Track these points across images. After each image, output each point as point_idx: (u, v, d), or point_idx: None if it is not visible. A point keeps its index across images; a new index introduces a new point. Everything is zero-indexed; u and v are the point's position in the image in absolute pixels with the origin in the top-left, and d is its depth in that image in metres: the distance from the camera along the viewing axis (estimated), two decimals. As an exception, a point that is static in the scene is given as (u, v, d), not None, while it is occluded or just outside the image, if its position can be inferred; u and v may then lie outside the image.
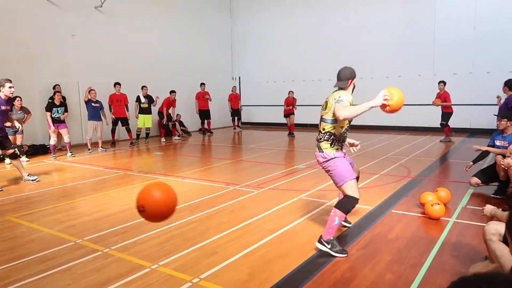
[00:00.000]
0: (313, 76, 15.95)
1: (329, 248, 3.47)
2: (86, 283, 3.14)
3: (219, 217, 4.69)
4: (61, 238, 4.14)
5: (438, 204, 4.43)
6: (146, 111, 12.08)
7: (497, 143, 5.51)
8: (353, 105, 3.47)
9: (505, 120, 5.46)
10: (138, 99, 11.99)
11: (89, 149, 10.47)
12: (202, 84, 14.57)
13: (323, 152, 3.61)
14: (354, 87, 3.74)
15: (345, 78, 3.66)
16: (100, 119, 10.66)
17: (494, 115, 5.98)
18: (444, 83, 11.04)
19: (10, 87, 6.62)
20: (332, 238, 3.49)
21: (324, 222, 4.39)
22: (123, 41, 13.06)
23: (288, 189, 5.97)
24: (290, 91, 13.71)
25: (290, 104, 13.57)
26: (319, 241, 3.53)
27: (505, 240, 2.56)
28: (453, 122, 11.73)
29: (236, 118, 16.18)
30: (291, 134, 13.48)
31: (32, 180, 7.00)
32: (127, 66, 13.14)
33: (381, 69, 14.24)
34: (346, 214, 3.61)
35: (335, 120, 3.53)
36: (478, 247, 3.61)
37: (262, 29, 17.16)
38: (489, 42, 12.32)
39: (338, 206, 3.54)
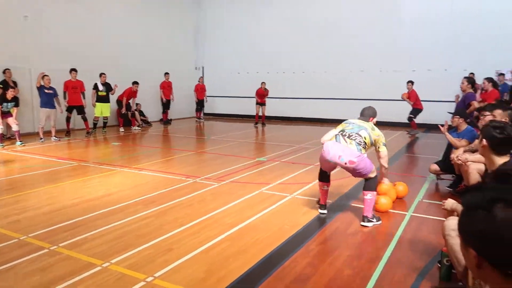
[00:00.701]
0: (278, 68, 15.89)
1: (375, 222, 4.10)
2: (29, 284, 2.90)
3: (177, 211, 4.52)
4: (3, 234, 3.82)
5: (385, 197, 4.54)
6: (104, 99, 11.56)
7: None
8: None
9: (457, 117, 5.66)
10: (95, 87, 11.43)
11: (41, 138, 9.89)
12: (166, 73, 14.26)
13: (360, 152, 4.00)
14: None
15: (368, 115, 4.49)
16: (54, 107, 10.10)
17: (449, 112, 6.18)
18: (412, 82, 11.39)
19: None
20: (373, 213, 4.16)
21: (285, 215, 4.35)
22: (81, 26, 12.36)
23: (249, 182, 5.88)
24: (263, 82, 14.01)
25: (261, 95, 13.90)
26: (365, 221, 4.07)
27: None
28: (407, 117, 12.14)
29: (199, 108, 15.95)
30: (263, 124, 13.99)
31: None
32: (86, 52, 12.46)
33: (345, 64, 14.43)
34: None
35: (372, 144, 4.21)
36: (434, 242, 3.67)
37: (229, 18, 16.86)
38: (446, 41, 12.74)
39: (369, 188, 4.11)
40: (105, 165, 7.15)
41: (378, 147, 4.26)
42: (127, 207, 4.67)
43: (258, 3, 16.09)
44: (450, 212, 2.89)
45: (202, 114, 16.13)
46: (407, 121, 11.81)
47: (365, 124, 4.26)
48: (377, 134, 4.25)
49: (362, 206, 4.72)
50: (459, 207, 2.81)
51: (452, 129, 5.86)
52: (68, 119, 11.02)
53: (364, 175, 4.07)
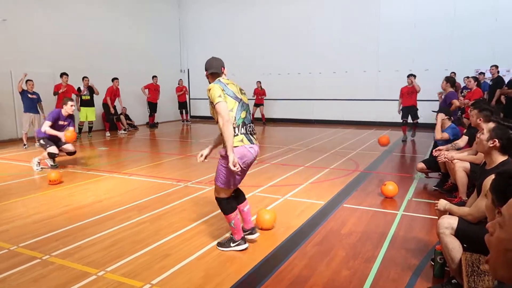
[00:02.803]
0: (264, 70, 15.93)
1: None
2: (23, 295, 2.85)
3: (171, 216, 4.50)
4: (-8, 245, 3.74)
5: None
6: (88, 103, 11.43)
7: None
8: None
9: (442, 114, 5.80)
10: (78, 91, 11.28)
11: (25, 144, 9.69)
12: (154, 76, 14.21)
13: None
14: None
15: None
16: (38, 112, 9.92)
17: (433, 111, 6.30)
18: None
19: (71, 106, 7.10)
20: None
21: (279, 218, 4.34)
22: (62, 29, 12.18)
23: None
24: (258, 81, 14.72)
25: (259, 94, 14.67)
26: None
27: (457, 234, 2.65)
28: (392, 116, 12.26)
29: (184, 111, 15.90)
30: (264, 124, 14.79)
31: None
32: (67, 55, 12.29)
33: (329, 65, 14.58)
34: None
35: None
36: (425, 239, 3.75)
37: (213, 20, 16.83)
38: (427, 42, 13.01)
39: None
40: (93, 171, 7.05)
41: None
42: (119, 213, 4.62)
43: (239, 6, 16.11)
44: (442, 212, 2.96)
45: (188, 117, 16.12)
46: (395, 121, 11.76)
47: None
48: None
49: (354, 206, 4.81)
50: (452, 207, 2.88)
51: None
52: None
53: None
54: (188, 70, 17.81)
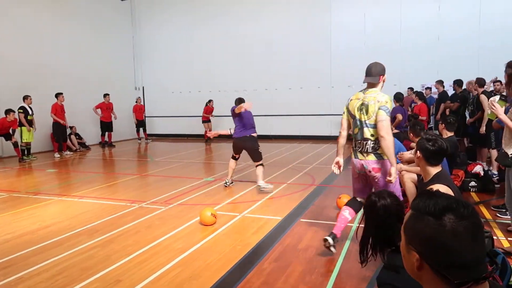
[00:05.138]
0: (219, 87, 15.97)
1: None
2: (-45, 335, 2.59)
3: (123, 239, 4.31)
4: None
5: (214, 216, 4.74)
6: (31, 123, 10.90)
7: None
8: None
9: None
10: (25, 110, 10.71)
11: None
12: (106, 95, 13.75)
13: (383, 158, 3.56)
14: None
15: (376, 73, 3.68)
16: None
17: None
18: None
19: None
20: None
21: (236, 236, 4.31)
22: (7, 46, 11.58)
23: (198, 203, 5.77)
24: (211, 100, 14.94)
25: (209, 112, 14.94)
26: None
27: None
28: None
29: (141, 129, 15.54)
30: (209, 139, 14.68)
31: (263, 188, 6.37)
32: (13, 73, 11.67)
33: (285, 81, 14.88)
34: None
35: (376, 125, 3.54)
36: (379, 250, 3.84)
37: (169, 37, 16.71)
38: (376, 58, 13.59)
39: None
40: (40, 194, 6.66)
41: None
42: (67, 239, 4.37)
43: (196, 23, 16.15)
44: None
45: (146, 135, 15.78)
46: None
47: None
48: (374, 109, 3.66)
49: (310, 221, 4.85)
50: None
51: None
52: None
53: (382, 184, 3.62)
54: (143, 87, 17.50)
